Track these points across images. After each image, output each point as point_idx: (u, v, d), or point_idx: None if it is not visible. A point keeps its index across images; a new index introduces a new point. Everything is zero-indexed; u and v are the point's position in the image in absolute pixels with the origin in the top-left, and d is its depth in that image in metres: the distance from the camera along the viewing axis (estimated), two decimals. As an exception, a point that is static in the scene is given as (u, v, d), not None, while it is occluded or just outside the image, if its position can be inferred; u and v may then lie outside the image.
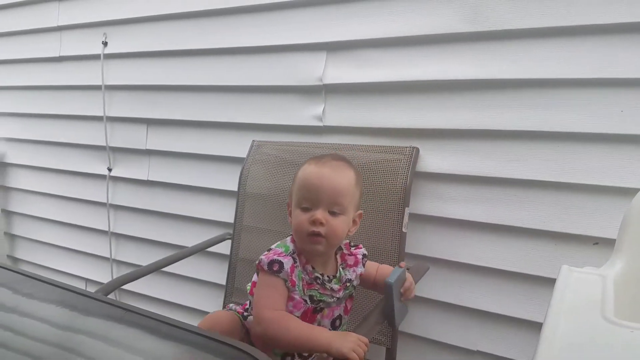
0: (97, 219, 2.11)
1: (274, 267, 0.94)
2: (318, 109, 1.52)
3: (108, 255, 2.09)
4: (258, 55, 1.62)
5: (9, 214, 2.52)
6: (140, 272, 1.38)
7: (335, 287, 1.01)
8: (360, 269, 1.06)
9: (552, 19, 1.18)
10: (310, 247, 0.96)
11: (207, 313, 1.78)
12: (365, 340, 0.87)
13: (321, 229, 0.93)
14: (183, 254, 1.52)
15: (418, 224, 1.38)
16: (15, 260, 2.54)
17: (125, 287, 1.28)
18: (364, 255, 1.08)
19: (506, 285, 1.30)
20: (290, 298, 0.95)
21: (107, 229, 2.07)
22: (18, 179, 2.43)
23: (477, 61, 1.28)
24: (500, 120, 1.26)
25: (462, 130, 1.31)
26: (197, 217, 1.82)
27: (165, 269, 1.56)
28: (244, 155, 1.58)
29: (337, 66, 1.47)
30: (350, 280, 1.04)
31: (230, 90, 1.70)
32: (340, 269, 1.03)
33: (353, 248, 1.10)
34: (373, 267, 1.12)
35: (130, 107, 1.93)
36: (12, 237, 2.55)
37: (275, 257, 0.95)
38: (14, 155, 2.41)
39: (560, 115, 1.20)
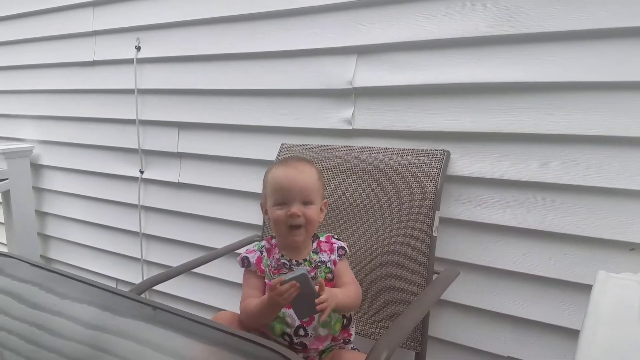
0: (128, 220, 2.16)
1: (244, 263, 1.17)
2: (347, 112, 1.53)
3: (139, 256, 2.14)
4: (288, 59, 1.63)
5: (42, 214, 2.59)
6: (171, 273, 1.40)
7: (306, 268, 1.09)
8: (334, 256, 1.17)
9: (590, 22, 1.16)
10: (291, 238, 1.12)
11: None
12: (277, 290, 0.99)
13: (299, 220, 1.10)
14: (213, 255, 1.54)
15: (448, 228, 1.38)
16: (48, 260, 2.61)
17: (156, 287, 1.31)
18: (341, 247, 1.18)
19: (539, 291, 1.29)
20: (267, 284, 1.11)
21: (138, 230, 2.11)
22: (52, 181, 2.50)
23: (509, 64, 1.27)
24: (533, 123, 1.25)
25: (494, 134, 1.30)
26: (226, 219, 1.84)
27: (195, 270, 1.59)
28: (273, 158, 1.60)
29: (368, 69, 1.48)
30: (323, 262, 1.15)
31: (260, 94, 1.72)
32: (312, 253, 1.16)
33: (335, 239, 1.20)
34: (346, 273, 1.16)
35: (162, 111, 1.97)
36: (45, 238, 2.62)
37: (245, 254, 1.17)
38: (48, 157, 2.49)
39: (595, 118, 1.18)
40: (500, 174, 1.30)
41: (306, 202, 1.11)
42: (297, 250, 1.16)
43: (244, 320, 1.14)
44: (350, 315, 1.19)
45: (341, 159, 1.46)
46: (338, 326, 1.15)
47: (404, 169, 1.35)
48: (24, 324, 0.89)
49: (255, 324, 1.13)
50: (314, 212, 1.12)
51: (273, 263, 1.16)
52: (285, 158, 1.23)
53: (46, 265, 1.14)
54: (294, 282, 0.98)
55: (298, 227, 1.10)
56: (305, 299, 1.00)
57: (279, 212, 1.11)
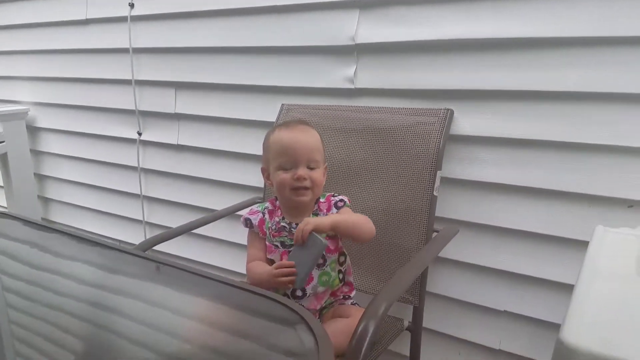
0: (128, 183, 2.16)
1: (247, 224, 1.19)
2: (349, 70, 1.50)
3: (140, 218, 2.15)
4: (287, 14, 1.59)
5: (41, 177, 2.59)
6: (172, 233, 1.42)
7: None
8: (332, 211, 1.16)
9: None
10: (297, 199, 1.12)
11: (236, 273, 1.84)
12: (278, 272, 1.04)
13: (306, 183, 1.09)
14: (214, 216, 1.55)
15: (449, 188, 1.38)
16: (50, 222, 2.62)
17: (157, 247, 1.33)
18: (339, 200, 1.17)
19: (537, 248, 1.31)
20: (268, 247, 1.15)
21: (138, 193, 2.11)
22: (49, 143, 2.48)
23: (518, 18, 1.23)
24: (540, 80, 1.23)
25: (498, 91, 1.29)
26: (227, 181, 1.84)
27: (196, 231, 1.60)
28: (273, 119, 1.58)
29: (370, 25, 1.44)
30: None
31: (259, 52, 1.68)
32: (312, 215, 1.16)
33: (334, 197, 1.19)
34: (347, 213, 1.17)
35: (158, 71, 1.94)
36: (45, 201, 2.63)
37: (248, 216, 1.19)
38: (45, 119, 2.46)
39: (603, 74, 1.16)
40: (501, 133, 1.30)
41: (311, 165, 1.11)
42: (299, 212, 1.16)
43: (249, 279, 1.15)
44: (346, 268, 1.20)
45: (343, 119, 1.45)
46: (336, 281, 1.16)
47: (407, 128, 1.34)
48: (27, 284, 0.89)
49: (258, 284, 1.13)
50: (319, 175, 1.13)
51: (273, 226, 1.16)
52: (286, 121, 1.20)
53: (47, 224, 1.14)
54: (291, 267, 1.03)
55: (305, 188, 1.10)
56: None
57: (285, 176, 1.10)
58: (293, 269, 1.03)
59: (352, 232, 1.11)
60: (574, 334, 0.59)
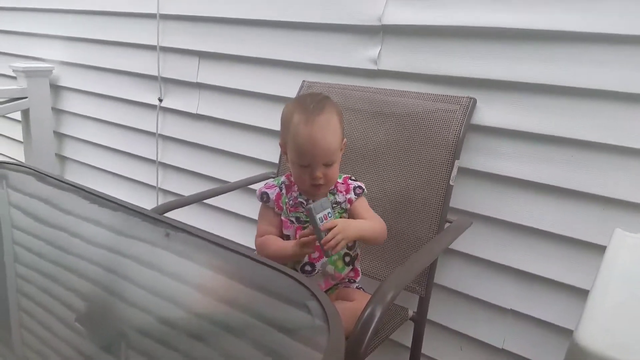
0: (145, 148, 2.17)
1: (263, 198, 1.17)
2: (374, 51, 1.47)
3: (154, 184, 2.16)
4: (316, -10, 1.56)
5: (60, 136, 2.62)
6: (185, 201, 1.43)
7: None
8: (350, 195, 1.16)
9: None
10: (314, 193, 1.12)
11: (244, 247, 1.84)
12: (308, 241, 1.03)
13: (321, 181, 1.08)
14: (227, 187, 1.55)
15: (466, 178, 1.35)
16: (66, 181, 2.66)
17: (168, 214, 1.33)
18: (358, 187, 1.17)
19: (551, 248, 1.28)
20: (284, 222, 1.14)
21: (154, 158, 2.13)
22: (71, 103, 2.51)
23: (550, 10, 1.19)
24: (568, 75, 1.19)
25: (524, 84, 1.25)
26: (242, 154, 1.84)
27: (208, 202, 1.61)
28: (294, 95, 1.56)
29: (399, 5, 1.40)
30: (338, 203, 1.15)
31: (282, 27, 1.66)
32: (329, 193, 1.15)
33: (352, 180, 1.19)
34: (366, 212, 1.16)
35: (183, 38, 1.93)
36: (62, 159, 2.66)
37: (265, 189, 1.17)
38: (68, 78, 2.48)
39: (627, 74, 1.12)
40: (524, 127, 1.26)
41: (328, 163, 1.08)
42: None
43: (260, 253, 1.15)
44: (356, 253, 1.19)
45: (363, 101, 1.42)
46: (340, 264, 1.15)
47: (428, 114, 1.31)
48: (36, 239, 0.90)
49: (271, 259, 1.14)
50: (334, 170, 1.11)
51: (291, 201, 1.15)
52: (305, 100, 1.12)
53: (67, 180, 1.14)
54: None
55: (320, 186, 1.10)
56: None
57: (301, 173, 1.09)
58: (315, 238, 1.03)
59: (371, 241, 1.15)
60: (589, 337, 0.58)
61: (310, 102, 1.10)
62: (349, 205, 1.16)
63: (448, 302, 1.45)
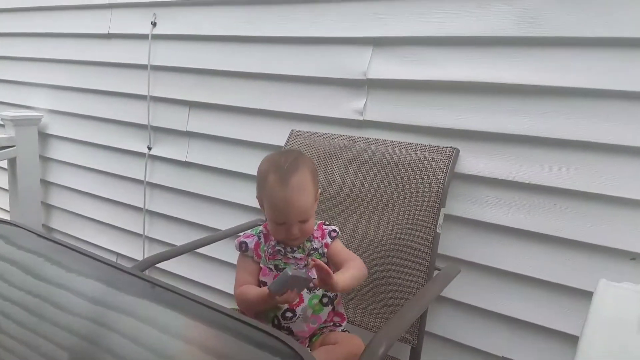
0: (132, 196, 2.17)
1: (242, 247, 1.18)
2: (359, 102, 1.52)
3: (141, 232, 2.15)
4: (302, 45, 1.63)
5: (47, 184, 2.60)
6: (175, 251, 1.41)
7: (298, 255, 1.16)
8: (326, 240, 1.18)
9: (615, 30, 1.15)
10: (290, 243, 1.16)
11: (233, 296, 1.82)
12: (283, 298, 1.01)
13: (297, 238, 1.13)
14: (217, 236, 1.54)
15: (453, 226, 1.38)
16: (50, 229, 2.63)
17: (157, 265, 1.32)
18: (332, 230, 1.20)
19: (539, 294, 1.29)
20: (262, 269, 1.16)
21: (142, 206, 2.12)
22: (59, 151, 2.51)
23: (527, 66, 1.26)
24: (545, 127, 1.25)
25: (505, 135, 1.30)
26: (231, 201, 1.85)
27: (197, 250, 1.60)
28: (282, 144, 1.60)
29: (383, 61, 1.47)
30: (315, 249, 1.17)
31: (272, 79, 1.71)
32: (306, 241, 1.17)
33: (326, 226, 1.21)
34: (343, 251, 1.19)
35: (174, 89, 1.97)
36: (48, 207, 2.64)
37: (244, 239, 1.19)
38: (57, 126, 2.49)
39: (610, 126, 1.18)
40: (507, 175, 1.30)
41: (303, 220, 1.11)
42: None
43: (239, 306, 1.16)
44: (335, 295, 1.18)
45: (350, 149, 1.46)
46: (318, 306, 1.15)
47: (412, 163, 1.35)
48: (27, 294, 0.89)
49: (251, 312, 1.14)
50: (309, 225, 1.14)
51: (269, 249, 1.17)
52: (279, 158, 1.13)
53: (52, 237, 1.14)
54: (293, 288, 0.99)
55: (295, 240, 1.14)
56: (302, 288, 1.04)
57: (278, 229, 1.13)
58: (293, 290, 1.01)
59: (354, 287, 1.14)
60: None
61: (284, 162, 1.11)
62: (326, 250, 1.17)
63: (440, 351, 1.44)
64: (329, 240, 1.18)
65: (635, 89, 1.14)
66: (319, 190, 1.19)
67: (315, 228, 1.19)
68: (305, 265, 1.15)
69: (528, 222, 1.29)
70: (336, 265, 1.15)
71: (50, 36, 2.44)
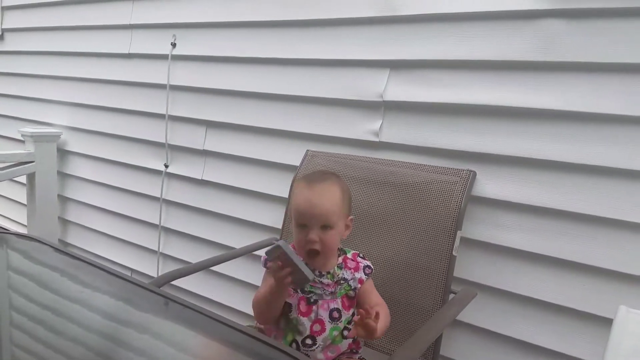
0: (148, 213, 2.19)
1: (267, 265, 1.15)
2: (375, 124, 1.54)
3: (156, 248, 2.16)
4: (320, 67, 1.65)
5: (64, 199, 2.64)
6: (191, 269, 1.42)
7: (326, 281, 1.14)
8: (359, 275, 1.16)
9: (635, 56, 1.15)
10: (309, 260, 1.13)
11: (249, 316, 1.82)
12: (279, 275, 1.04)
13: (316, 246, 1.09)
14: (232, 254, 1.55)
15: (469, 249, 1.38)
16: (66, 244, 2.66)
17: (172, 282, 1.33)
18: (367, 266, 1.18)
19: (555, 320, 1.28)
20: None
21: (157, 223, 2.14)
22: (77, 167, 2.55)
23: (544, 90, 1.27)
24: (563, 151, 1.25)
25: (523, 159, 1.30)
26: (246, 219, 1.86)
27: (212, 268, 1.60)
28: (297, 164, 1.61)
29: (399, 84, 1.49)
30: (345, 280, 1.15)
31: (289, 100, 1.74)
32: (336, 267, 1.16)
33: (360, 258, 1.20)
34: (373, 293, 1.17)
35: (192, 108, 2.01)
36: (64, 222, 2.67)
37: None
38: (76, 143, 2.53)
39: (628, 152, 1.17)
40: (525, 199, 1.30)
41: (325, 226, 1.09)
42: (319, 262, 1.15)
43: (255, 314, 1.16)
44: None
45: (365, 170, 1.47)
46: (339, 338, 1.15)
47: (429, 185, 1.35)
48: (44, 309, 0.90)
49: (265, 315, 1.14)
50: (332, 237, 1.11)
51: None
52: (312, 173, 1.19)
53: (69, 251, 1.15)
54: (279, 261, 1.03)
55: (316, 253, 1.10)
56: (293, 270, 1.02)
57: (299, 236, 1.11)
58: (288, 269, 1.03)
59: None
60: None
61: (316, 175, 1.16)
62: (359, 285, 1.16)
63: (454, 375, 1.42)
64: (363, 276, 1.16)
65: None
66: (351, 216, 1.17)
67: (349, 256, 1.19)
68: (332, 293, 1.13)
69: (544, 246, 1.28)
70: (361, 305, 1.15)
71: (72, 55, 2.51)
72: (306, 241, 1.09)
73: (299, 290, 1.14)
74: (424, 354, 1.26)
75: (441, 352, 1.32)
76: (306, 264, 1.07)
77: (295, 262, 1.01)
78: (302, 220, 1.10)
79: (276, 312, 1.13)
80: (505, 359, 1.35)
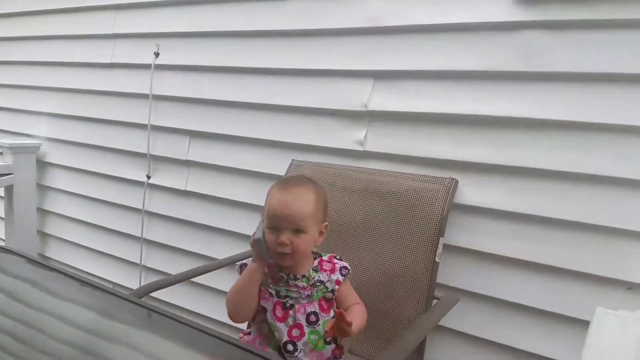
0: (130, 225, 2.16)
1: (242, 269, 1.16)
2: (360, 134, 1.56)
3: (138, 261, 2.13)
4: (305, 77, 1.67)
5: (43, 212, 2.59)
6: (171, 280, 1.40)
7: (302, 284, 1.12)
8: (336, 276, 1.16)
9: (616, 66, 1.19)
10: (280, 262, 1.12)
11: (236, 328, 1.80)
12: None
13: (286, 249, 1.07)
14: (214, 265, 1.54)
15: (451, 255, 1.39)
16: (46, 258, 2.60)
17: (153, 294, 1.31)
18: (343, 267, 1.18)
19: (537, 324, 1.30)
20: (262, 292, 1.13)
21: (139, 235, 2.12)
22: (56, 179, 2.51)
23: (524, 100, 1.30)
24: (544, 159, 1.28)
25: (503, 167, 1.33)
26: (230, 230, 1.85)
27: (195, 279, 1.59)
28: (282, 173, 1.62)
29: (384, 94, 1.51)
30: (321, 282, 1.14)
31: (273, 110, 1.75)
32: (312, 270, 1.15)
33: (337, 260, 1.19)
34: (351, 294, 1.18)
35: (175, 118, 2.00)
36: (44, 236, 2.62)
37: (245, 261, 1.18)
38: (56, 155, 2.50)
39: (606, 159, 1.21)
40: (505, 206, 1.33)
41: (298, 230, 1.08)
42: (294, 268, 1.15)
43: (229, 309, 1.15)
44: None
45: (350, 179, 1.48)
46: (321, 342, 1.14)
47: (412, 193, 1.37)
48: (18, 322, 0.88)
49: (238, 308, 1.14)
50: (304, 241, 1.09)
51: (272, 274, 1.15)
52: (289, 178, 1.19)
53: (46, 263, 1.12)
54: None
55: (286, 254, 1.08)
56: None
57: (271, 238, 1.10)
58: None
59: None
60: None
61: (292, 179, 1.17)
62: (336, 287, 1.15)
63: (439, 382, 1.43)
64: (340, 277, 1.15)
65: (635, 124, 1.17)
66: (326, 223, 1.16)
67: (325, 259, 1.18)
68: (309, 296, 1.13)
69: (525, 251, 1.31)
70: (340, 306, 1.15)
71: (52, 65, 2.49)
72: (277, 244, 1.08)
73: (274, 295, 1.13)
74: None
75: (425, 358, 1.33)
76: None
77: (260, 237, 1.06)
78: (274, 223, 1.09)
79: (249, 304, 1.11)
80: (489, 365, 1.36)
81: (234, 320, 1.14)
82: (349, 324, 1.01)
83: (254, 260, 1.11)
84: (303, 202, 1.11)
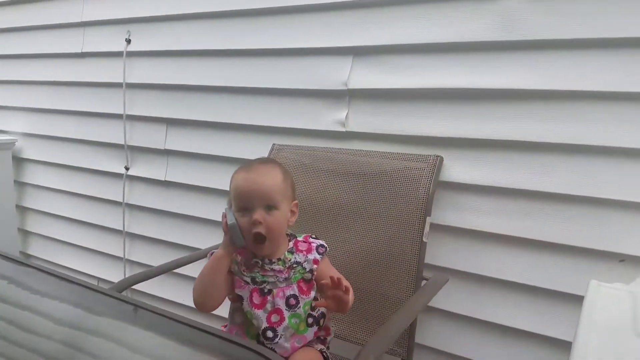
0: (111, 218, 2.11)
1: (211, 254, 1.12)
2: (341, 114, 1.51)
3: (121, 255, 2.09)
4: (282, 57, 1.61)
5: (23, 209, 2.53)
6: (153, 272, 1.37)
7: (278, 267, 1.09)
8: (313, 255, 1.12)
9: (590, 31, 1.16)
10: (255, 248, 1.08)
11: (220, 318, 1.77)
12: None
13: (261, 228, 1.04)
14: (197, 255, 1.50)
15: (439, 234, 1.36)
16: (28, 256, 2.55)
17: (136, 287, 1.27)
18: (320, 245, 1.14)
19: (529, 301, 1.28)
20: (237, 281, 1.09)
21: (121, 229, 2.06)
22: (34, 175, 2.44)
23: (506, 71, 1.26)
24: (529, 131, 1.24)
25: (488, 141, 1.29)
26: (213, 219, 1.81)
27: (178, 270, 1.55)
28: (264, 158, 1.57)
29: (364, 71, 1.46)
30: (298, 263, 1.11)
31: (252, 93, 1.69)
32: (287, 252, 1.12)
33: (313, 239, 1.16)
34: (330, 271, 1.12)
35: (150, 106, 1.94)
36: (25, 234, 2.56)
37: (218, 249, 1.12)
38: (32, 150, 2.43)
39: (591, 128, 1.18)
40: (492, 182, 1.29)
41: (269, 207, 1.05)
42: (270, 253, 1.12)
43: (194, 297, 1.09)
44: (321, 312, 1.13)
45: (333, 161, 1.44)
46: (303, 326, 1.10)
47: (396, 173, 1.33)
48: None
49: (203, 295, 1.08)
50: (277, 218, 1.06)
51: (245, 261, 1.11)
52: (251, 161, 1.15)
53: (25, 260, 1.11)
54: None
55: (262, 240, 1.05)
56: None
57: (242, 220, 1.06)
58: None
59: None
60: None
61: (255, 160, 1.15)
62: (314, 266, 1.11)
63: (431, 363, 1.41)
64: (317, 256, 1.12)
65: (621, 90, 1.14)
66: (296, 201, 1.14)
67: (300, 239, 1.15)
68: (286, 279, 1.09)
69: (514, 227, 1.28)
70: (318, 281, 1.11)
71: (22, 57, 2.40)
72: (250, 224, 1.04)
73: (250, 282, 1.09)
74: (398, 342, 1.24)
75: (417, 340, 1.31)
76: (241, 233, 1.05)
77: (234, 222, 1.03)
78: (243, 203, 1.06)
79: (214, 292, 1.07)
80: (481, 343, 1.34)
81: (201, 310, 1.08)
82: (347, 290, 0.97)
83: (223, 247, 1.07)
84: (270, 177, 1.09)
